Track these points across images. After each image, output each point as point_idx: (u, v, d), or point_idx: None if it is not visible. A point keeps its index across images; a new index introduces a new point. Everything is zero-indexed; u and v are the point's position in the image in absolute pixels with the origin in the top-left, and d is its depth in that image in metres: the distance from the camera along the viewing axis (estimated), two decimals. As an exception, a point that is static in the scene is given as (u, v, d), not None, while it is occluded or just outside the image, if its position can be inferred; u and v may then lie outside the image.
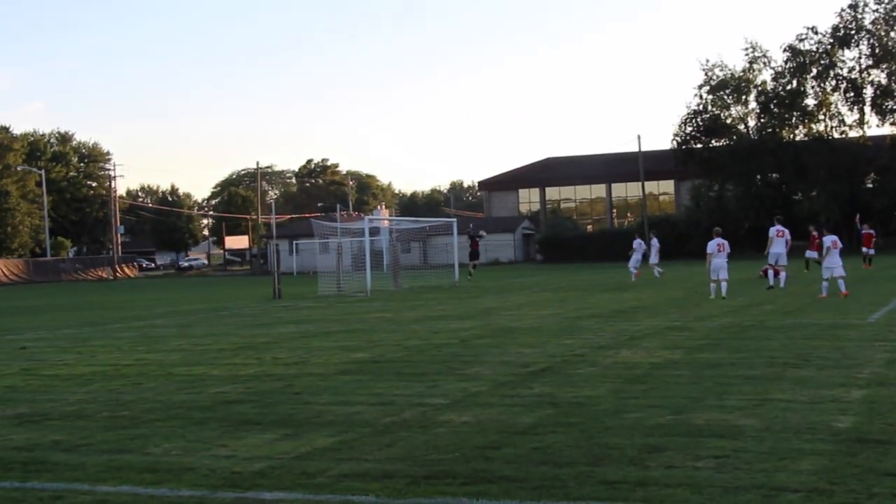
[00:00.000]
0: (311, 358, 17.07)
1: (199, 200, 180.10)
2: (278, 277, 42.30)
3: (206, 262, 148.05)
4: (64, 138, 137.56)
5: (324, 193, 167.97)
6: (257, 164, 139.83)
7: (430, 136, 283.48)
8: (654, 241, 45.67)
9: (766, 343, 16.43)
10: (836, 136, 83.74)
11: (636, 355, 15.47)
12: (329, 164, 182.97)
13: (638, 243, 44.26)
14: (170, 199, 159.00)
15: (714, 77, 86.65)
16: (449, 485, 7.76)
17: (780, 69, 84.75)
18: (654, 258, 44.91)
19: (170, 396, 13.02)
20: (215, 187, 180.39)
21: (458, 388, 12.76)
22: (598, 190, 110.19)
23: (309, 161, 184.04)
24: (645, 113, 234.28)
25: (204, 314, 31.80)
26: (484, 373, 14.15)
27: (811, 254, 40.02)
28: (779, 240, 32.08)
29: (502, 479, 7.84)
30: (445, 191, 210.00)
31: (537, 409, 10.95)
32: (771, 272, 32.29)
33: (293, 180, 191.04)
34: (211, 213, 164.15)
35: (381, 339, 20.03)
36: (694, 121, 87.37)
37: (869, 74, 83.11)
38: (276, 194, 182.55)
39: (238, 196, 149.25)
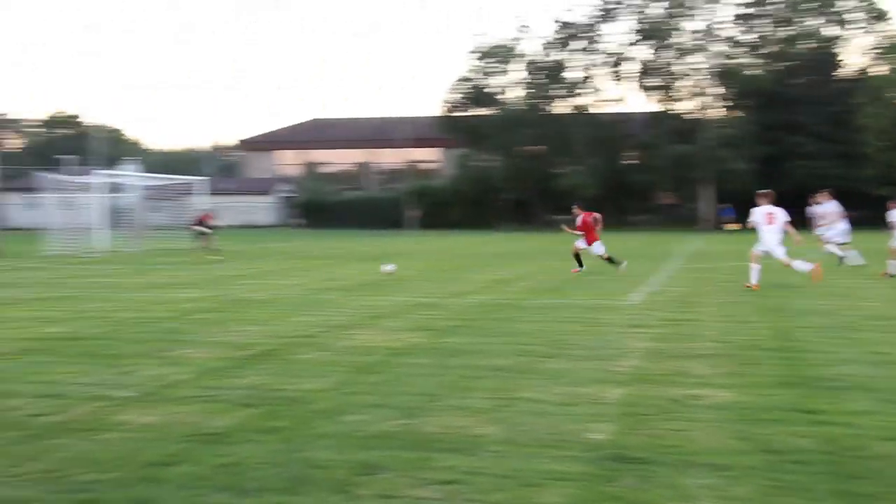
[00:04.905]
0: (-3, 331, 14.76)
1: None
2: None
3: None
4: None
5: (75, 147, 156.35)
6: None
7: (190, 93, 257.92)
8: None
9: (522, 326, 14.63)
10: (599, 111, 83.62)
11: (375, 338, 13.46)
12: (73, 117, 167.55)
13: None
14: None
15: (484, 45, 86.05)
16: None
17: (548, 41, 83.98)
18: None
19: None
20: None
21: (156, 375, 10.68)
22: (365, 155, 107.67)
23: (59, 113, 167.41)
24: (428, 79, 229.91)
25: None
26: (193, 356, 12.02)
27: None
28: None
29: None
30: (208, 150, 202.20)
31: (240, 406, 9.01)
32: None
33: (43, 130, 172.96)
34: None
35: (89, 310, 17.53)
36: (463, 88, 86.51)
37: (632, 49, 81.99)
38: (19, 146, 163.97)
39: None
